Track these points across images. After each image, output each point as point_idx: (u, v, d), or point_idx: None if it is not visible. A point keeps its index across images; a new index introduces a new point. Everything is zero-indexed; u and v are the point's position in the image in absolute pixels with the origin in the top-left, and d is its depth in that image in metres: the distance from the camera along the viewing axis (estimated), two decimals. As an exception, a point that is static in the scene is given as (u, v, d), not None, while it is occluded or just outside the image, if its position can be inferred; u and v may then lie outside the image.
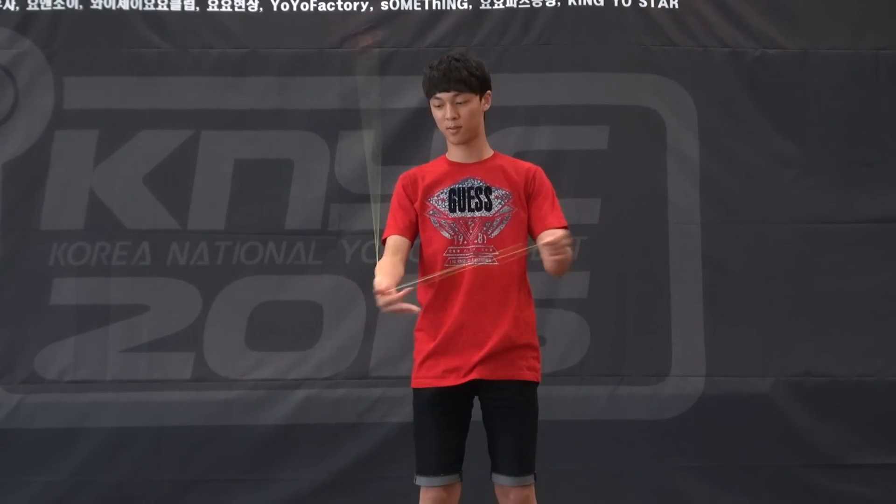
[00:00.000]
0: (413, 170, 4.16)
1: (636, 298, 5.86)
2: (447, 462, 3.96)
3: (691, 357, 5.84)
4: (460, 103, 3.97)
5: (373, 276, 5.74)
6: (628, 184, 5.88)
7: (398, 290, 3.76)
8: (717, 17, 5.94)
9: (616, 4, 5.90)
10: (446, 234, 3.99)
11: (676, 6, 5.92)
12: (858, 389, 5.85)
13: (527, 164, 4.12)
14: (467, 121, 3.98)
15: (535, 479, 4.01)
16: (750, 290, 5.88)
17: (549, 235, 3.79)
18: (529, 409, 4.00)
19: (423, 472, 3.98)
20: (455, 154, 4.09)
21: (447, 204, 4.01)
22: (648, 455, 5.80)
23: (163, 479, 5.76)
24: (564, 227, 3.98)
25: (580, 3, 5.90)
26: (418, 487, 4.03)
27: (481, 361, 3.94)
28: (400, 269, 3.93)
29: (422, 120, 5.79)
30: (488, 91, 4.05)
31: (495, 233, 3.95)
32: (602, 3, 5.90)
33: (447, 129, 4.02)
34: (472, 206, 3.99)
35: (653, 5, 5.91)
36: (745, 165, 5.92)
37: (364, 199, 5.83)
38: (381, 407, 5.77)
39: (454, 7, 5.93)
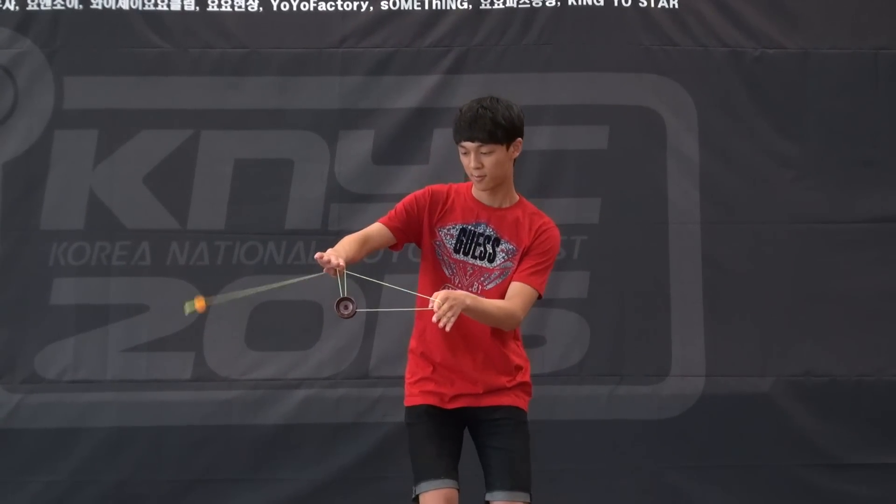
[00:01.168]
0: (444, 188, 4.02)
1: (636, 298, 5.86)
2: (448, 466, 3.89)
3: (691, 357, 5.84)
4: (485, 153, 3.85)
5: (372, 276, 5.78)
6: (628, 184, 5.88)
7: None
8: (717, 17, 5.93)
9: (616, 4, 5.90)
10: (446, 271, 3.94)
11: (676, 6, 5.92)
12: (858, 389, 5.85)
13: (542, 221, 4.01)
14: (492, 170, 3.88)
15: (530, 499, 3.91)
16: (750, 290, 5.88)
17: (436, 296, 3.66)
18: (521, 429, 3.95)
19: (425, 476, 3.88)
20: (479, 192, 3.99)
21: (454, 242, 3.94)
22: (648, 455, 5.80)
23: (163, 479, 5.76)
24: (534, 289, 3.90)
25: (580, 3, 5.90)
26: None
27: (468, 396, 3.92)
28: (359, 252, 3.85)
29: (421, 120, 5.80)
30: (518, 139, 3.92)
31: (491, 285, 3.90)
32: (602, 3, 5.89)
33: (472, 176, 3.92)
34: (477, 253, 3.92)
35: (653, 5, 5.91)
36: (744, 165, 5.92)
37: (364, 198, 5.84)
38: (380, 407, 5.77)
39: (454, 7, 5.93)
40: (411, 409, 4.00)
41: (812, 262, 5.90)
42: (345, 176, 5.88)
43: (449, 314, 3.62)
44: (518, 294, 3.90)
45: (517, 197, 4.03)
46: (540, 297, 3.97)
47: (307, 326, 5.84)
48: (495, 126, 3.84)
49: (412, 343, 4.04)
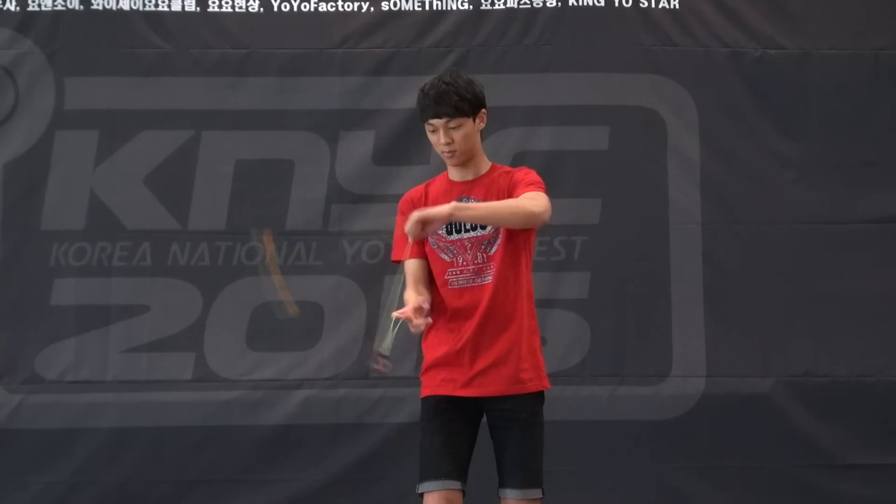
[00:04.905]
0: (412, 191, 4.11)
1: (637, 299, 5.86)
2: (448, 468, 3.89)
3: (692, 357, 5.84)
4: (453, 128, 3.91)
5: (373, 277, 5.81)
6: (629, 184, 5.88)
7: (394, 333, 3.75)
8: (718, 18, 5.94)
9: (616, 4, 5.90)
10: (445, 257, 3.95)
11: (677, 6, 5.92)
12: (858, 389, 5.85)
13: (512, 169, 4.06)
14: (462, 144, 3.93)
15: (542, 494, 3.95)
16: (750, 291, 5.88)
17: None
18: (533, 421, 3.96)
19: (423, 476, 3.92)
20: (454, 173, 4.05)
21: (444, 227, 3.94)
22: (649, 455, 5.80)
23: (163, 480, 5.76)
24: (536, 190, 3.90)
25: (581, 4, 5.90)
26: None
27: (481, 376, 3.92)
28: (425, 294, 3.91)
29: (422, 121, 5.79)
30: (482, 110, 3.97)
31: (493, 249, 3.92)
32: (602, 4, 5.90)
33: (443, 152, 3.97)
34: (468, 226, 3.94)
35: (653, 5, 5.91)
36: (745, 165, 5.92)
37: (364, 199, 5.84)
38: (381, 407, 5.77)
39: (454, 7, 5.93)
40: (424, 402, 4.01)
41: (812, 263, 5.90)
42: (345, 176, 5.88)
43: (412, 224, 3.66)
44: (523, 196, 3.88)
45: (489, 164, 4.07)
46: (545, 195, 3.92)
47: (308, 327, 5.84)
48: (461, 100, 3.90)
49: (424, 335, 4.02)
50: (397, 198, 4.19)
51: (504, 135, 5.70)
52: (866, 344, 5.87)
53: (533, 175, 4.00)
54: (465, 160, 3.99)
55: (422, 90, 3.96)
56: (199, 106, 5.88)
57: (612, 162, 5.89)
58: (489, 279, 3.93)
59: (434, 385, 3.97)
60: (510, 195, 3.95)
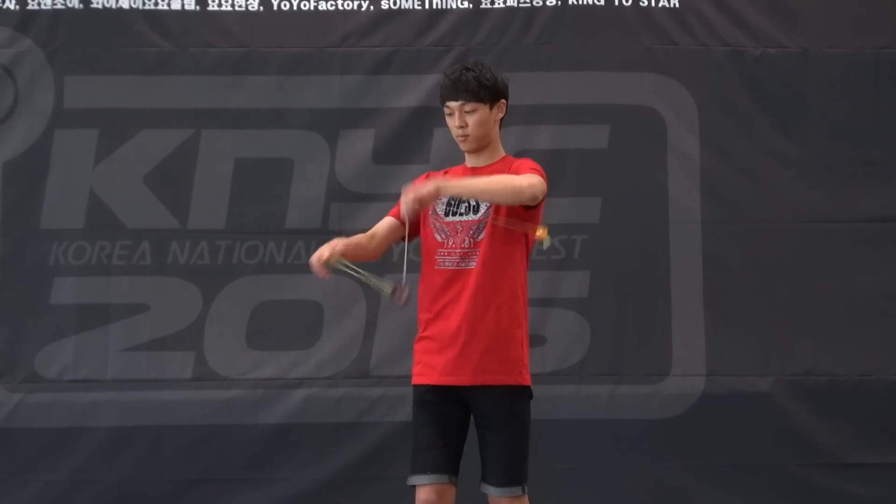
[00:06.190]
0: (433, 173, 4.19)
1: (636, 298, 5.87)
2: (436, 461, 3.90)
3: (692, 356, 5.84)
4: (468, 112, 3.97)
5: (373, 277, 5.80)
6: (629, 183, 5.88)
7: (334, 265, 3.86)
8: (718, 16, 5.94)
9: (616, 3, 5.90)
10: (439, 238, 4.01)
11: (677, 5, 5.92)
12: (859, 389, 5.85)
13: (516, 160, 4.11)
14: (475, 130, 3.98)
15: (524, 491, 3.92)
16: (750, 290, 5.88)
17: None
18: (515, 419, 3.94)
19: (413, 470, 3.94)
20: (469, 160, 4.10)
21: (444, 207, 4.02)
22: (648, 454, 5.80)
23: (163, 479, 5.76)
24: (533, 173, 3.93)
25: (581, 3, 5.90)
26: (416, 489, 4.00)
27: (460, 365, 3.92)
28: (363, 241, 4.03)
29: (422, 119, 5.80)
30: (502, 100, 4.03)
31: (481, 236, 3.95)
32: (602, 2, 5.89)
33: (457, 136, 4.03)
34: (462, 210, 3.99)
35: (653, 4, 5.91)
36: (745, 164, 5.92)
37: (364, 198, 5.84)
38: (381, 406, 5.77)
39: (454, 6, 5.93)
40: (415, 390, 4.03)
41: (813, 262, 5.90)
42: (345, 175, 5.88)
43: (409, 196, 3.75)
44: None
45: (503, 154, 4.12)
46: (543, 184, 3.93)
47: (308, 326, 5.84)
48: (479, 85, 3.97)
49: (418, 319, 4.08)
50: (397, 196, 4.17)
51: (504, 133, 5.58)
52: (867, 343, 5.87)
53: (531, 162, 4.05)
54: (479, 147, 4.04)
55: (444, 74, 4.07)
56: (199, 105, 5.88)
57: (612, 161, 5.89)
58: (474, 265, 3.95)
59: (419, 373, 4.00)
60: None
